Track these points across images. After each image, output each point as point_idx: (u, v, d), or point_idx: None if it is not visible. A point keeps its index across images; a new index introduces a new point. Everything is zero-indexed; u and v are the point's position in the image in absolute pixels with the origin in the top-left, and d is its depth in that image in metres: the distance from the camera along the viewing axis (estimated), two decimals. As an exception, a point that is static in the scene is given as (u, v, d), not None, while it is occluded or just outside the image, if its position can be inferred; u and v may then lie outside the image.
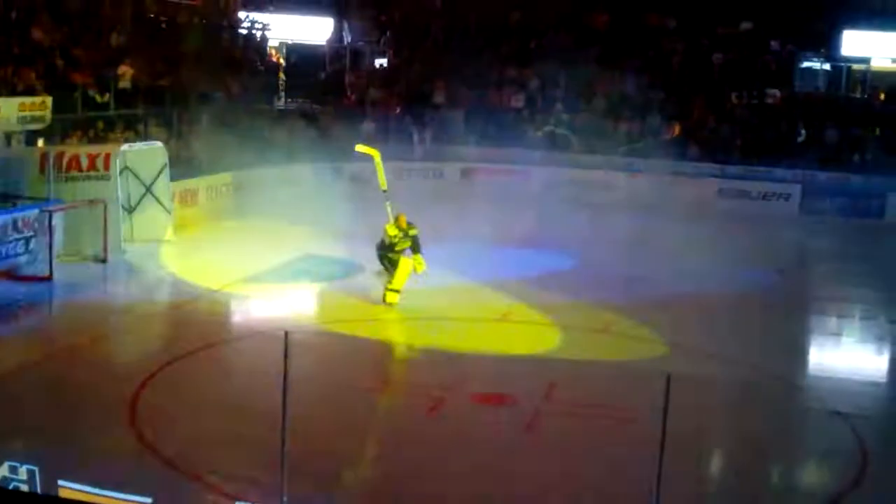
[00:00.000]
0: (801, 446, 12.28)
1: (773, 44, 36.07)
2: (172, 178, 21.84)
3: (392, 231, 16.65)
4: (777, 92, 34.34)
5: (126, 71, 26.44)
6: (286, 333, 7.85)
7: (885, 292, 20.20)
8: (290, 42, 38.56)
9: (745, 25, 36.52)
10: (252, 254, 20.27)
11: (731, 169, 31.02)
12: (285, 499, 7.71)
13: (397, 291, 16.66)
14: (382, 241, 16.75)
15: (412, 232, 16.83)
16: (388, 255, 16.75)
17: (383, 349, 15.09)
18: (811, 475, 11.71)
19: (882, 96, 34.98)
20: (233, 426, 11.08)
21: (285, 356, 7.80)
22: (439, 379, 13.24)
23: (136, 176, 21.34)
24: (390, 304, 16.65)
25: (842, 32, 35.06)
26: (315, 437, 10.07)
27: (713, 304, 18.20)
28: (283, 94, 35.78)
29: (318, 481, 9.05)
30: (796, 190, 30.01)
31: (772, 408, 12.97)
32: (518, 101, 34.62)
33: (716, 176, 30.87)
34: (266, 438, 8.82)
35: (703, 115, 33.43)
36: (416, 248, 16.86)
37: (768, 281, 20.74)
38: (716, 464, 11.76)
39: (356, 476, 9.95)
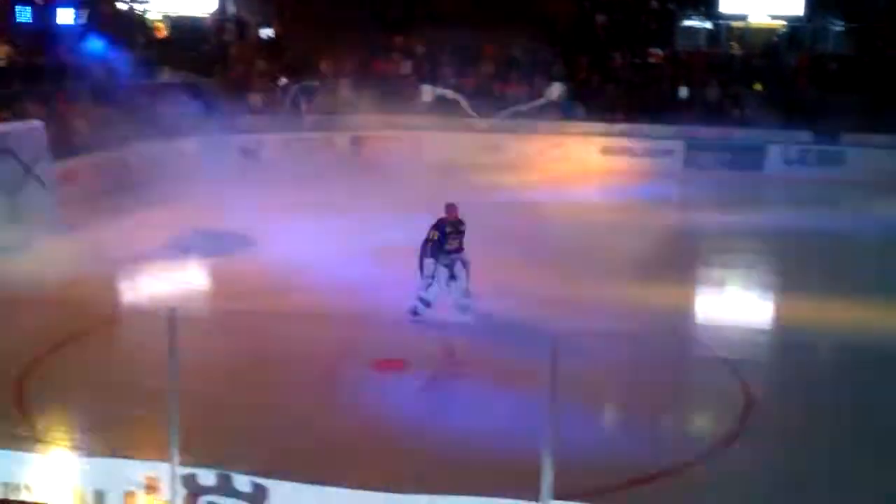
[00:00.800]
0: (690, 393, 12.67)
1: (654, 3, 36.68)
2: (54, 158, 21.28)
3: (447, 226, 14.76)
4: (659, 51, 34.99)
5: (2, 49, 25.63)
6: (172, 310, 7.77)
7: (767, 241, 20.88)
8: (172, 15, 37.73)
9: (626, -15, 37.04)
10: (139, 231, 19.93)
11: (616, 127, 31.57)
12: (178, 472, 7.65)
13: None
14: (431, 241, 14.72)
15: (461, 228, 14.97)
16: (444, 255, 14.69)
17: (274, 321, 14.95)
18: (699, 420, 12.12)
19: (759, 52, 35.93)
20: (122, 407, 10.94)
21: (171, 333, 7.73)
22: (334, 346, 13.25)
23: (16, 157, 20.72)
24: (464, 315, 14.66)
25: (719, -10, 35.85)
26: (211, 412, 10.04)
27: (604, 259, 18.55)
28: (166, 67, 35.01)
29: (212, 456, 9.02)
30: (679, 146, 30.72)
31: (661, 358, 13.31)
32: (406, 67, 34.57)
33: (601, 135, 31.39)
34: (158, 417, 8.75)
35: (588, 75, 33.87)
36: (462, 247, 14.97)
37: (657, 235, 21.14)
38: (607, 416, 12.08)
39: (253, 449, 9.92)
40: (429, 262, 14.76)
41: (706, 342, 14.27)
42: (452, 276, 14.79)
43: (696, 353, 14.04)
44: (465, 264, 14.81)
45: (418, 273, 14.78)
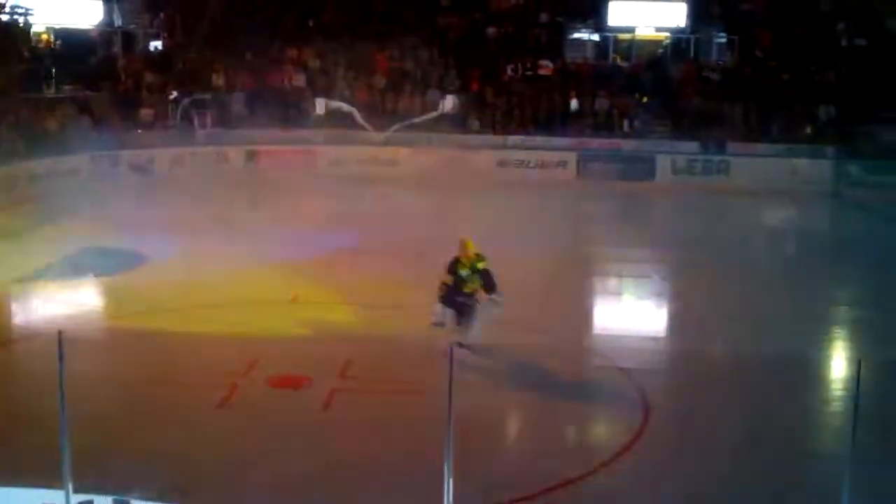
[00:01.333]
0: (590, 403, 12.83)
1: (544, 16, 37.26)
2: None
3: (460, 267, 13.45)
4: (549, 63, 35.52)
5: None
6: (60, 333, 7.62)
7: (658, 250, 21.35)
8: (56, 27, 36.84)
9: (516, -1, 37.61)
10: (28, 249, 19.41)
11: (510, 140, 31.99)
12: (73, 500, 7.51)
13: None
14: (445, 284, 13.49)
15: (481, 265, 13.52)
16: (457, 301, 13.48)
17: (170, 341, 14.71)
18: (599, 429, 12.30)
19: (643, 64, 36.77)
20: (11, 433, 10.66)
21: (60, 357, 7.58)
22: (231, 366, 13.10)
23: None
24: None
25: (608, 4, 36.57)
26: (102, 437, 9.84)
27: (501, 271, 18.68)
28: (52, 81, 34.20)
29: (104, 483, 8.86)
30: (572, 157, 31.26)
31: (561, 369, 13.49)
32: (299, 80, 34.45)
33: (495, 147, 31.75)
34: (48, 443, 8.55)
35: (480, 88, 34.22)
36: (489, 286, 13.49)
37: (551, 245, 21.40)
38: (507, 428, 12.19)
39: (149, 475, 9.75)
40: (437, 308, 13.55)
41: (604, 353, 14.49)
42: (465, 318, 13.43)
43: (594, 363, 14.25)
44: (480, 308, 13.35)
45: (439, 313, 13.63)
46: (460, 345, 12.35)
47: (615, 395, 12.73)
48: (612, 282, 19.71)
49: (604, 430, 12.15)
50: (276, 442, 10.77)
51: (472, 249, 13.51)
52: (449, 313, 13.51)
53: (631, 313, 17.44)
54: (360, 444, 10.73)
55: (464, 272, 13.33)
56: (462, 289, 13.33)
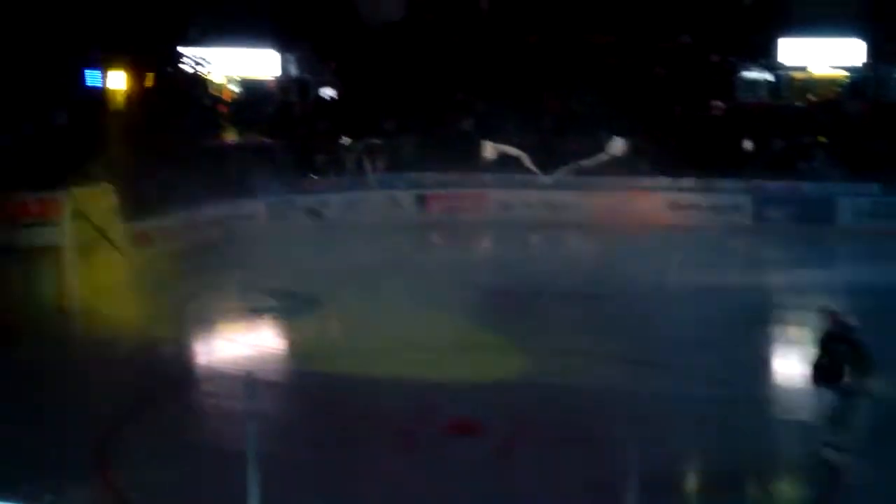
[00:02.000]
0: (772, 460, 12.29)
1: (714, 56, 36.58)
2: (124, 220, 21.55)
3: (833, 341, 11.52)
4: (720, 104, 34.78)
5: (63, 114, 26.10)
6: (247, 373, 7.76)
7: (842, 297, 20.40)
8: (237, 77, 38.39)
9: (684, 39, 37.03)
10: (210, 292, 20.05)
11: (681, 182, 31.34)
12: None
13: None
14: (818, 365, 11.59)
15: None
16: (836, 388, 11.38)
17: (347, 384, 14.87)
18: (788, 488, 11.75)
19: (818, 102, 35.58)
20: (201, 470, 10.93)
21: (248, 396, 7.70)
22: (408, 409, 13.14)
23: (88, 220, 21.01)
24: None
25: (777, 41, 35.64)
26: (284, 475, 9.95)
27: (670, 319, 18.29)
28: (231, 128, 35.58)
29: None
30: (747, 200, 30.36)
31: (736, 421, 12.96)
32: (467, 124, 34.71)
33: (667, 190, 31.17)
34: (234, 480, 8.69)
35: (649, 129, 33.73)
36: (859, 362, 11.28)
37: (728, 291, 20.78)
38: (687, 484, 11.79)
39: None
40: (821, 392, 11.61)
41: (785, 405, 13.89)
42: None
43: (776, 415, 13.69)
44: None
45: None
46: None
47: (803, 449, 12.15)
48: (793, 330, 18.93)
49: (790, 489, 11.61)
50: (451, 486, 10.71)
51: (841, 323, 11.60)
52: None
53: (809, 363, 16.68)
54: (534, 493, 10.54)
55: (840, 346, 11.34)
56: (844, 376, 11.22)
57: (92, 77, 30.77)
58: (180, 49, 34.59)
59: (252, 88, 38.14)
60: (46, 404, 13.55)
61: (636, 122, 33.49)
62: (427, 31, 39.38)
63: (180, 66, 34.52)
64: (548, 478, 11.07)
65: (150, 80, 29.56)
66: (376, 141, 33.19)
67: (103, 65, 29.95)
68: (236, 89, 38.12)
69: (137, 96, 28.90)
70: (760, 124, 33.60)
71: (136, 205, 23.87)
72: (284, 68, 38.96)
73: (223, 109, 36.02)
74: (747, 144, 32.64)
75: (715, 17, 37.17)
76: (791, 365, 16.65)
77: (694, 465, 12.08)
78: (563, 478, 11.05)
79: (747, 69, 36.91)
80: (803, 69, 36.41)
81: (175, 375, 15.17)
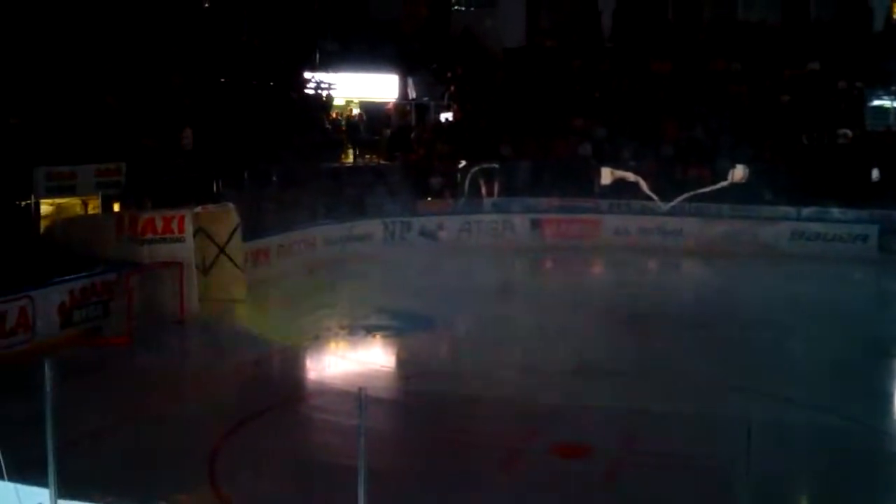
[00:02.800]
0: (892, 493, 11.88)
1: (841, 83, 35.66)
2: (244, 238, 22.07)
3: None
4: (848, 132, 33.85)
5: (188, 134, 26.84)
6: (360, 390, 7.82)
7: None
8: (357, 100, 39.09)
9: (812, 66, 36.23)
10: (325, 310, 20.35)
11: (805, 211, 30.58)
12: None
13: None
14: None
15: None
16: None
17: (456, 403, 14.90)
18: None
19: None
20: (310, 483, 11.07)
21: (360, 412, 7.75)
22: (516, 430, 13.09)
23: (210, 237, 21.60)
24: None
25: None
26: (394, 491, 10.00)
27: (790, 348, 17.87)
28: (351, 150, 36.21)
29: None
30: (874, 231, 29.41)
31: (857, 454, 12.58)
32: (585, 149, 34.55)
33: (790, 219, 30.45)
34: (343, 496, 8.77)
35: (773, 157, 33.02)
36: None
37: (849, 323, 20.20)
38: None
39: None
40: None
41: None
42: None
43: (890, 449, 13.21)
44: None
45: None
46: None
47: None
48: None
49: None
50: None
51: None
52: None
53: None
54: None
55: None
56: None
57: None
58: (306, 73, 35.45)
59: (372, 111, 38.74)
60: (161, 414, 13.92)
61: (760, 150, 32.87)
62: (547, 57, 39.43)
63: (305, 90, 35.34)
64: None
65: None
66: (493, 165, 33.28)
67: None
68: (356, 112, 38.77)
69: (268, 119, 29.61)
70: (889, 153, 32.58)
71: (257, 224, 24.45)
72: (404, 92, 39.47)
73: (343, 132, 36.65)
74: (875, 174, 31.68)
75: (844, 42, 36.32)
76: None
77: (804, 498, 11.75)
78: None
79: (877, 97, 35.87)
80: (935, 97, 35.23)
81: (287, 390, 15.42)
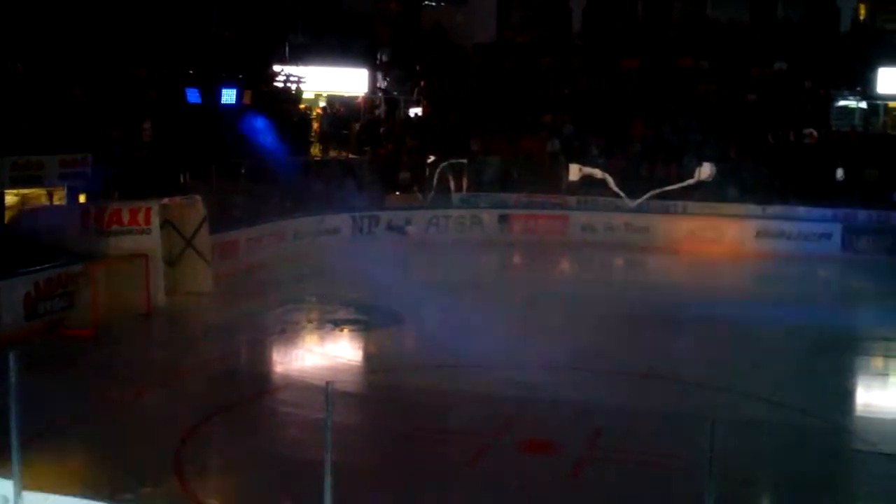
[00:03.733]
0: (852, 490, 12.03)
1: (807, 83, 36.00)
2: (211, 231, 21.96)
3: None
4: (813, 131, 34.19)
5: (148, 126, 26.65)
6: (327, 384, 7.82)
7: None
8: (325, 94, 38.93)
9: (779, 65, 36.55)
10: (293, 304, 20.32)
11: (769, 209, 30.87)
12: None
13: None
14: None
15: None
16: None
17: (424, 397, 14.91)
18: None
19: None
20: (276, 476, 11.07)
21: (327, 406, 7.76)
22: (484, 426, 13.13)
23: (176, 229, 21.47)
24: None
25: (876, 70, 34.93)
26: (359, 485, 10.02)
27: (755, 346, 18.04)
28: (318, 144, 36.10)
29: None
30: (837, 229, 29.74)
31: (820, 451, 12.73)
32: (553, 146, 34.68)
33: (754, 217, 30.73)
34: (309, 489, 8.78)
35: (739, 155, 33.30)
36: None
37: (813, 321, 20.40)
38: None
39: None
40: None
41: (866, 437, 13.56)
42: None
43: (858, 447, 13.36)
44: None
45: None
46: None
47: (881, 482, 11.84)
48: (879, 362, 18.48)
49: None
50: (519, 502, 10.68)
51: None
52: None
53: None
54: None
55: None
56: None
57: (191, 94, 31.44)
58: (275, 66, 35.28)
59: (340, 105, 38.64)
60: (127, 407, 13.86)
61: (726, 148, 33.15)
62: (517, 53, 39.52)
63: (275, 83, 35.17)
64: (617, 499, 10.99)
65: (247, 97, 30.11)
66: (461, 160, 33.34)
67: (205, 82, 30.58)
68: (323, 105, 38.64)
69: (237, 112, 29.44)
70: (853, 153, 32.96)
71: (224, 216, 24.34)
72: (374, 86, 39.40)
73: (312, 125, 36.53)
74: (839, 173, 32.03)
75: (811, 43, 36.67)
76: (875, 396, 16.36)
77: (770, 494, 11.88)
78: (631, 500, 10.95)
79: (843, 97, 36.26)
80: (899, 98, 35.62)
81: (253, 383, 15.38)
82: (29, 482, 7.96)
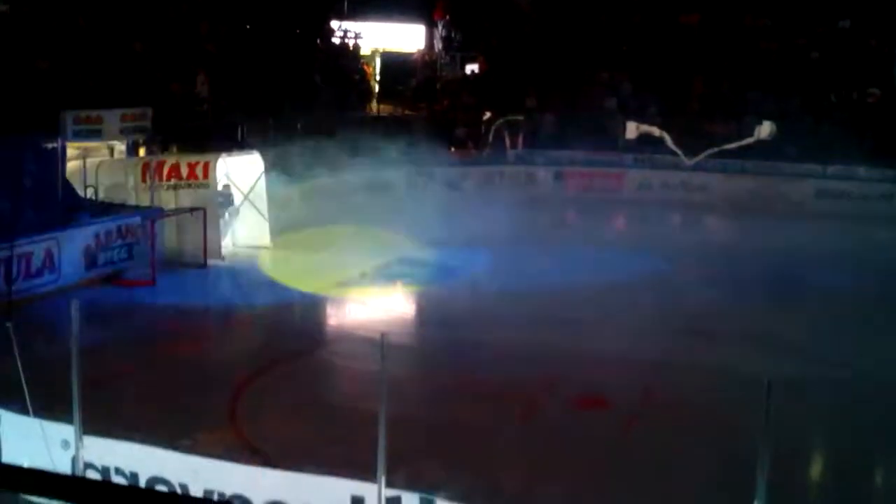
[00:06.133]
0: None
1: (872, 41, 35.21)
2: (269, 185, 22.14)
3: None
4: (877, 90, 33.48)
5: (203, 79, 26.81)
6: (382, 335, 7.89)
7: None
8: (382, 50, 38.90)
9: (843, 24, 35.78)
10: (348, 258, 20.49)
11: (831, 169, 30.38)
12: (384, 494, 7.73)
13: None
14: None
15: None
16: None
17: (476, 352, 14.96)
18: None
19: None
20: (330, 427, 11.23)
21: (382, 358, 7.83)
22: (535, 382, 13.17)
23: (234, 184, 21.69)
24: None
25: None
26: (416, 438, 10.14)
27: (811, 306, 17.85)
28: (376, 100, 36.16)
29: (414, 481, 9.11)
30: (898, 190, 29.22)
31: (878, 412, 12.59)
32: (611, 103, 34.36)
33: (814, 176, 30.28)
34: (361, 440, 8.89)
35: (800, 114, 32.74)
36: None
37: (870, 281, 20.12)
38: (821, 471, 11.51)
39: (456, 477, 9.95)
40: None
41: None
42: None
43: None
44: None
45: None
46: None
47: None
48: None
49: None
50: (570, 461, 10.72)
51: None
52: None
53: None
54: (654, 473, 10.47)
55: None
56: None
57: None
58: (332, 22, 35.30)
59: (398, 61, 38.57)
60: (184, 357, 14.13)
61: (788, 107, 32.59)
62: (574, 9, 39.08)
63: (332, 39, 35.22)
64: (668, 456, 10.99)
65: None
66: (518, 117, 33.19)
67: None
68: (381, 62, 38.62)
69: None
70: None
71: (283, 170, 24.46)
72: (429, 42, 39.26)
73: (369, 81, 36.58)
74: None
75: (875, 1, 35.81)
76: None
77: (816, 453, 11.82)
78: (683, 457, 10.95)
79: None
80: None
81: (308, 335, 15.58)
82: (89, 427, 8.17)
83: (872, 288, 19.46)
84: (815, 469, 11.64)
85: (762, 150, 30.44)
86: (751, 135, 30.76)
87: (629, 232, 25.65)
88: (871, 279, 20.24)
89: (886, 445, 11.63)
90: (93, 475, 8.16)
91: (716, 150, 30.84)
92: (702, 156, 30.47)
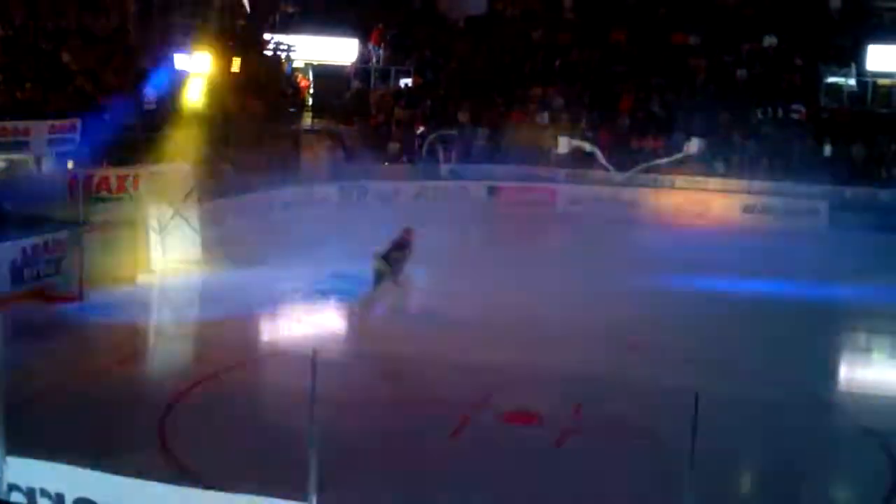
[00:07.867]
0: (833, 466, 12.15)
1: (798, 60, 35.98)
2: (200, 200, 21.91)
3: None
4: (802, 108, 34.18)
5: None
6: (314, 352, 7.86)
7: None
8: (314, 63, 38.71)
9: (770, 41, 36.49)
10: (280, 273, 20.35)
11: (756, 185, 30.96)
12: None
13: None
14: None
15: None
16: None
17: (410, 367, 14.95)
18: (844, 496, 11.61)
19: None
20: (261, 446, 11.13)
21: (313, 375, 7.81)
22: (466, 397, 13.20)
23: (164, 197, 21.38)
24: None
25: (866, 48, 34.92)
26: (343, 455, 10.09)
27: (740, 321, 18.11)
28: (308, 114, 35.98)
29: (346, 498, 9.08)
30: (823, 206, 29.85)
31: (802, 427, 12.82)
32: (542, 118, 34.63)
33: (741, 192, 30.82)
34: (292, 457, 8.84)
35: (728, 131, 33.33)
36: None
37: (797, 296, 20.52)
38: (745, 486, 11.69)
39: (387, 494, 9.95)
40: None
41: (850, 412, 13.69)
42: None
43: (838, 422, 13.49)
44: None
45: None
46: None
47: (862, 458, 11.97)
48: (861, 337, 18.63)
49: (850, 496, 11.45)
50: (502, 476, 10.76)
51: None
52: None
53: (881, 372, 16.42)
54: (585, 487, 10.55)
55: None
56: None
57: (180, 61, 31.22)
58: (265, 35, 35.08)
59: (331, 75, 38.43)
60: (112, 374, 13.92)
61: (715, 124, 33.16)
62: (507, 26, 39.34)
63: (265, 52, 34.98)
64: (600, 470, 11.09)
65: (235, 65, 29.97)
66: (451, 132, 33.30)
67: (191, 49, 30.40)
68: (314, 75, 38.44)
69: (223, 81, 29.29)
70: (842, 130, 33.00)
71: (213, 185, 24.26)
72: (363, 56, 39.19)
73: (301, 95, 36.40)
74: (827, 150, 32.10)
75: (801, 19, 36.58)
76: (857, 372, 16.50)
77: (749, 467, 12.00)
78: (614, 471, 11.05)
79: (832, 74, 36.20)
80: (890, 76, 35.54)
81: (239, 352, 15.42)
82: (13, 447, 8.01)
83: (799, 303, 19.82)
84: (744, 483, 11.81)
85: (691, 165, 31.02)
86: (680, 151, 31.38)
87: (561, 247, 25.78)
88: (798, 294, 20.64)
89: (812, 460, 11.84)
90: (17, 498, 8.01)
91: (646, 165, 31.34)
92: (632, 171, 30.90)
